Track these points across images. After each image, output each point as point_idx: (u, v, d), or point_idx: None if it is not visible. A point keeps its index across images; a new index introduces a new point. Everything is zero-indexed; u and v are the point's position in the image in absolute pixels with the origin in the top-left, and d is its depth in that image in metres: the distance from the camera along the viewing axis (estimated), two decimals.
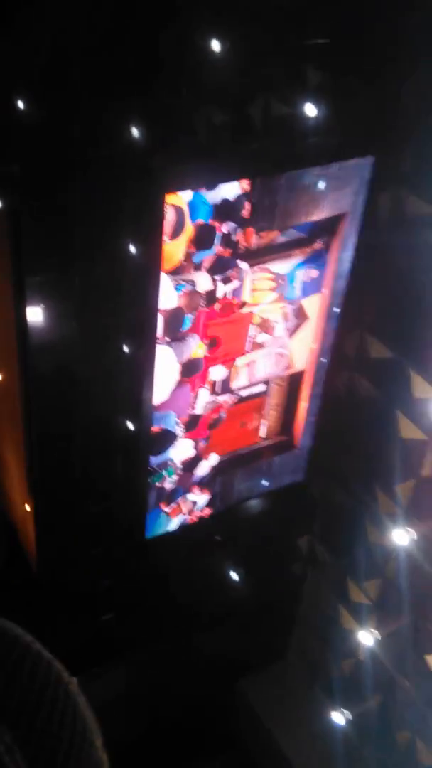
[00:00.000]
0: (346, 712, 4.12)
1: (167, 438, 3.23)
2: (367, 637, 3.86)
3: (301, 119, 2.68)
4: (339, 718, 4.13)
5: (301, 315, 3.28)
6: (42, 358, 2.66)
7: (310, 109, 2.66)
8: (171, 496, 3.43)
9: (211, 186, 2.67)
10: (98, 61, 2.26)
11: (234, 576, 3.84)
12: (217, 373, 3.22)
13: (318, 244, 3.10)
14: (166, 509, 3.45)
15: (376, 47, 2.67)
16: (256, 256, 2.99)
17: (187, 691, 4.30)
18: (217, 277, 2.93)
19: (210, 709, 4.50)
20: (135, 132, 2.44)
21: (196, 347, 3.06)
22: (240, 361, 3.26)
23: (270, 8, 2.45)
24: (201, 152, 2.58)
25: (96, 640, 3.62)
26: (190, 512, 3.54)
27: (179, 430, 3.24)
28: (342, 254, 3.15)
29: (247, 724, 4.53)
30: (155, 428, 3.14)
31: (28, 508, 3.04)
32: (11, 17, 2.08)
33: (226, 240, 2.84)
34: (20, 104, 2.21)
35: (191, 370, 3.11)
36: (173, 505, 3.46)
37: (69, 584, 3.35)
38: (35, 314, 2.54)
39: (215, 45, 2.43)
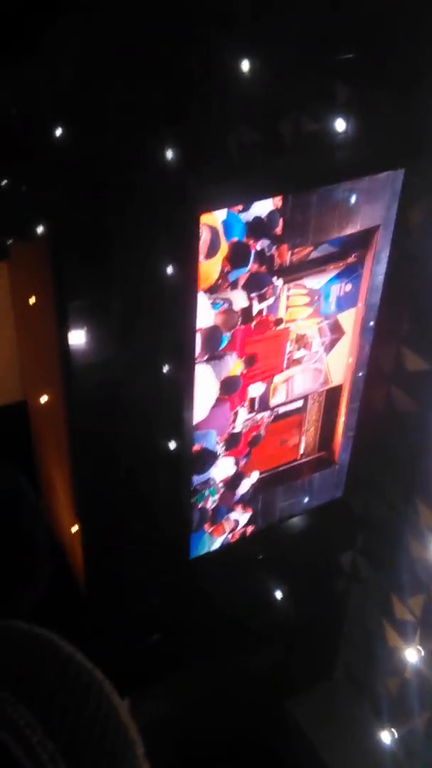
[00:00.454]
0: (393, 730, 4.07)
1: (208, 457, 3.24)
2: (413, 654, 3.82)
3: (331, 134, 2.71)
4: (386, 736, 4.07)
5: (337, 330, 3.29)
6: (84, 380, 2.69)
7: (340, 124, 2.69)
8: (215, 517, 3.43)
9: (245, 205, 2.71)
10: (130, 86, 2.31)
11: (278, 594, 3.82)
12: (255, 390, 3.23)
13: (352, 258, 3.11)
14: (209, 529, 3.46)
15: (404, 60, 2.70)
16: (291, 272, 3.01)
17: (233, 712, 4.26)
18: (252, 295, 2.95)
19: (257, 729, 4.46)
20: (168, 154, 2.48)
21: (234, 365, 3.08)
22: (278, 378, 3.27)
23: (297, 25, 2.49)
24: (233, 171, 2.62)
25: (143, 660, 3.62)
26: (232, 531, 3.54)
27: (220, 449, 3.26)
28: (376, 267, 3.16)
29: (295, 744, 4.48)
30: (196, 447, 3.15)
31: (74, 529, 3.06)
32: (43, 43, 2.14)
33: (261, 257, 2.87)
34: (57, 131, 2.26)
35: (230, 388, 3.13)
36: (216, 524, 3.47)
37: (116, 605, 3.36)
38: (77, 337, 2.58)
39: (244, 64, 2.47)
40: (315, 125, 2.67)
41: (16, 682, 0.60)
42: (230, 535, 3.54)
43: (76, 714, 0.60)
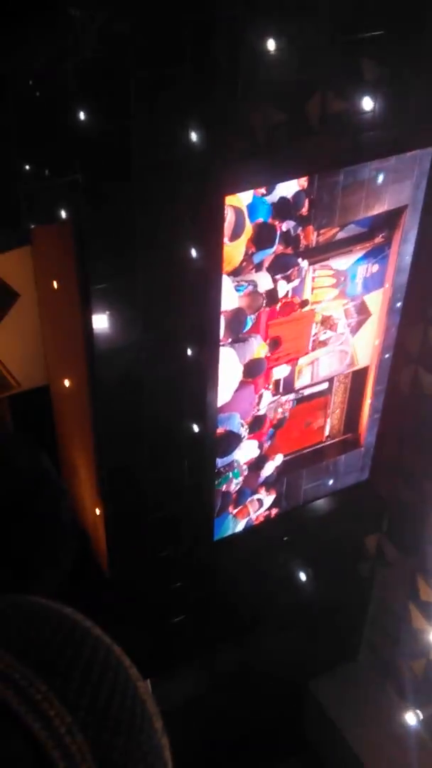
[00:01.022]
0: (418, 712, 4.07)
1: (232, 439, 3.23)
2: None
3: (358, 113, 2.66)
4: (411, 718, 4.07)
5: (363, 311, 3.25)
6: (108, 364, 2.68)
7: (368, 103, 2.64)
8: (239, 499, 3.43)
9: (270, 186, 2.67)
10: (154, 66, 2.28)
11: (303, 576, 3.82)
12: (280, 372, 3.21)
13: (379, 239, 3.07)
14: (233, 511, 3.45)
15: (431, 38, 2.64)
16: (317, 253, 2.97)
17: (257, 692, 4.29)
18: (277, 276, 2.92)
19: (281, 710, 4.48)
20: (193, 135, 2.44)
21: (258, 348, 3.06)
22: (303, 360, 3.24)
23: (324, 2, 2.43)
24: (259, 152, 2.57)
25: (167, 642, 3.64)
26: (256, 513, 3.53)
27: (244, 431, 3.24)
28: (403, 248, 3.11)
29: (319, 725, 4.50)
30: (220, 430, 3.14)
31: (98, 512, 3.07)
32: (67, 20, 2.11)
33: (286, 238, 2.83)
34: (80, 114, 2.24)
35: (254, 371, 3.10)
36: (240, 506, 3.46)
37: (140, 587, 3.38)
38: (101, 321, 2.57)
39: (270, 43, 2.42)
40: (342, 104, 2.61)
41: (34, 657, 0.60)
42: (254, 517, 3.54)
43: (94, 688, 0.60)
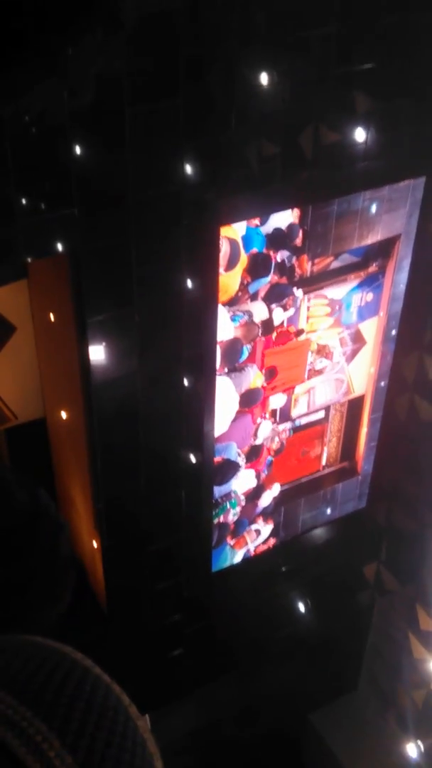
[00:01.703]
0: (419, 742, 4.02)
1: (229, 468, 3.22)
2: None
3: (350, 145, 2.68)
4: (412, 749, 4.02)
5: (358, 339, 3.26)
6: (105, 395, 2.68)
7: (360, 134, 2.66)
8: (237, 529, 3.41)
9: (265, 217, 2.69)
10: (149, 101, 2.30)
11: (302, 606, 3.79)
12: (276, 401, 3.21)
13: (373, 268, 3.08)
14: (231, 542, 3.43)
15: (421, 69, 2.67)
16: (312, 283, 2.98)
17: (258, 724, 4.24)
18: (273, 306, 2.93)
19: (282, 741, 4.42)
20: (188, 168, 2.46)
21: (254, 377, 3.06)
22: (299, 389, 3.24)
23: (315, 37, 2.46)
24: (253, 184, 2.59)
25: (166, 675, 3.60)
26: (254, 543, 3.51)
27: (241, 461, 3.23)
28: (397, 276, 3.13)
29: (319, 757, 4.44)
30: (217, 459, 3.13)
31: (95, 545, 3.05)
32: (63, 65, 2.13)
33: (281, 268, 2.85)
34: (76, 149, 2.25)
35: (251, 401, 3.10)
36: (238, 537, 3.44)
37: (138, 620, 3.34)
38: (98, 352, 2.57)
39: (263, 77, 2.45)
40: (335, 136, 2.64)
41: (33, 697, 0.59)
42: (252, 548, 3.52)
43: (94, 728, 0.59)
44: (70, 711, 0.59)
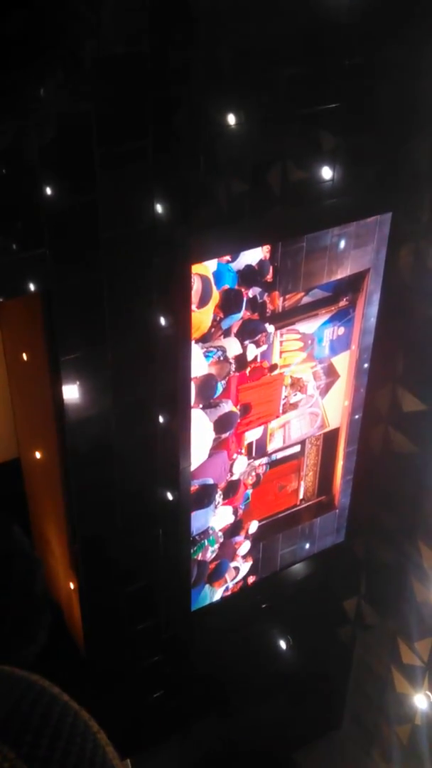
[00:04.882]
0: None
1: (207, 492, 3.18)
2: (422, 701, 3.74)
3: (318, 182, 2.73)
4: None
5: (331, 373, 3.28)
6: (79, 434, 2.66)
7: (327, 172, 2.71)
8: (215, 567, 3.38)
9: (235, 254, 2.72)
10: (117, 142, 2.33)
11: (282, 644, 3.76)
12: (252, 436, 3.21)
13: (343, 302, 3.12)
14: (210, 580, 3.40)
15: (384, 106, 2.74)
16: (283, 318, 3.01)
17: (241, 765, 4.16)
18: (246, 342, 2.95)
19: None
20: (158, 207, 2.49)
21: (230, 411, 3.06)
22: (274, 423, 3.25)
23: (281, 77, 2.52)
24: (223, 222, 2.63)
25: (146, 718, 3.53)
26: (233, 581, 3.49)
27: (218, 498, 3.22)
28: (368, 310, 3.17)
29: None
30: (194, 487, 3.11)
31: (72, 586, 3.01)
32: (30, 107, 2.16)
33: (253, 304, 2.87)
34: (45, 189, 2.27)
35: (225, 426, 3.08)
36: (217, 575, 3.41)
37: (117, 663, 3.29)
38: (71, 391, 2.56)
39: (230, 117, 2.49)
40: (302, 174, 2.69)
41: (0, 724, 0.59)
42: (232, 585, 3.49)
43: (62, 754, 0.59)
44: (38, 738, 0.59)
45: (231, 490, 3.24)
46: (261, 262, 2.78)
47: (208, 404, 2.98)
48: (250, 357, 2.99)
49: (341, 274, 3.01)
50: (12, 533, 1.54)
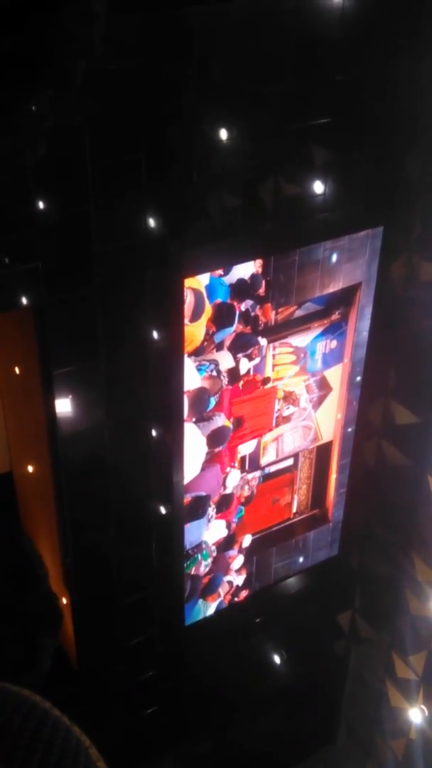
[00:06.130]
0: None
1: (200, 504, 3.17)
2: (417, 715, 3.73)
3: (309, 196, 2.75)
4: None
5: (324, 386, 3.29)
6: (72, 447, 2.66)
7: (319, 186, 2.73)
8: (209, 581, 3.37)
9: (227, 268, 2.73)
10: (110, 156, 2.34)
11: (277, 658, 3.74)
12: (245, 449, 3.21)
13: (336, 315, 3.13)
14: (204, 594, 3.39)
15: (376, 121, 2.76)
16: (276, 331, 3.02)
17: None
18: (239, 355, 2.95)
19: None
20: (150, 221, 2.50)
21: (222, 426, 3.06)
22: (268, 437, 3.25)
23: (273, 93, 2.54)
24: (215, 236, 2.64)
25: (141, 734, 3.51)
26: (227, 595, 3.48)
27: (211, 512, 3.22)
28: (360, 323, 3.18)
29: None
30: (187, 498, 3.10)
31: (64, 600, 3.00)
32: (21, 119, 2.17)
33: (246, 317, 2.88)
34: (38, 203, 2.28)
35: (218, 440, 3.08)
36: (211, 589, 3.40)
37: (110, 678, 3.27)
38: (64, 405, 2.56)
39: (222, 132, 2.51)
40: (294, 188, 2.70)
41: None
42: (225, 600, 3.48)
43: None
44: (30, 753, 0.59)
45: (224, 503, 3.24)
46: (253, 276, 2.79)
47: (201, 418, 2.98)
48: (242, 370, 2.99)
49: (333, 287, 3.02)
50: (23, 543, 1.54)
